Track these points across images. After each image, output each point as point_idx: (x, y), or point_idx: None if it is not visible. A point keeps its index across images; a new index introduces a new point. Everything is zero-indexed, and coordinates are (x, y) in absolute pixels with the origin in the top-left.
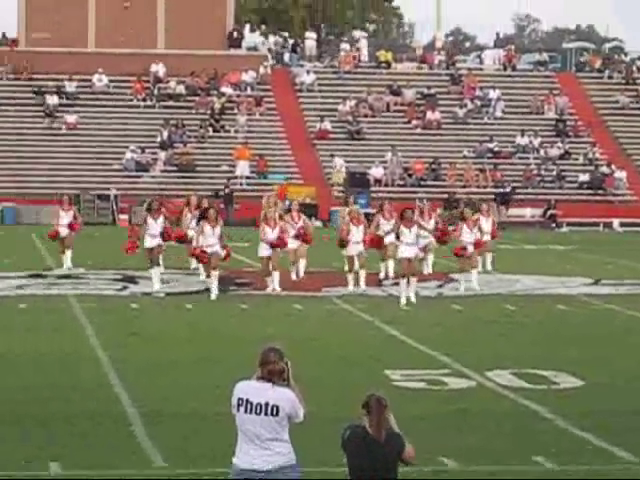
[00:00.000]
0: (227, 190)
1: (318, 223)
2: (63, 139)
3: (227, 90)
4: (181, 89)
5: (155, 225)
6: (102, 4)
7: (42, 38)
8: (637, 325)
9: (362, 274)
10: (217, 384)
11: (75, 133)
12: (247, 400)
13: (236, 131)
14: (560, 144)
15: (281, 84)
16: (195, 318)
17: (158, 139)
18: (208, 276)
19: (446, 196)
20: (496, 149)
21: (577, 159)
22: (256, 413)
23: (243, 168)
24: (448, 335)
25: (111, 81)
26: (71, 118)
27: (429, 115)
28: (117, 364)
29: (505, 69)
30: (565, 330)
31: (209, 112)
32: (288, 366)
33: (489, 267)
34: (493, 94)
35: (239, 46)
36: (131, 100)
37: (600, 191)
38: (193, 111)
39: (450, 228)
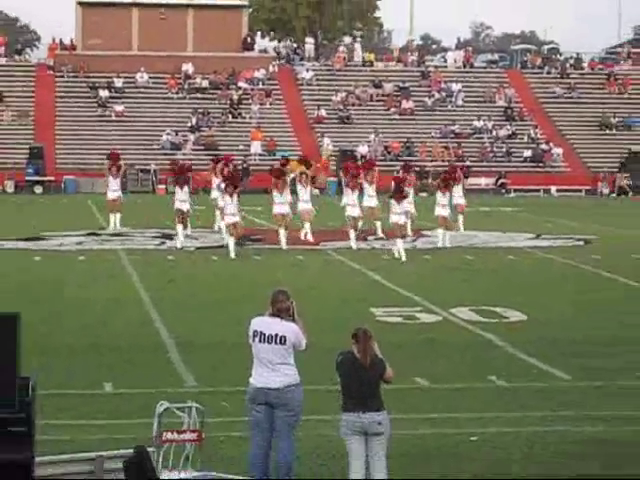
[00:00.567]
0: (244, 165)
1: (316, 191)
2: (112, 124)
3: (243, 84)
4: (206, 84)
5: (181, 193)
6: (143, 16)
7: (95, 43)
8: (571, 271)
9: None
10: (237, 319)
11: (122, 120)
12: (261, 332)
13: (250, 117)
14: (508, 126)
15: (286, 79)
16: (219, 267)
17: (188, 124)
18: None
19: (417, 169)
20: (457, 131)
21: (522, 138)
22: (268, 342)
23: (256, 147)
24: (420, 280)
25: (150, 78)
26: (119, 107)
27: (404, 104)
28: (157, 304)
29: (465, 67)
30: (513, 275)
31: (229, 102)
32: (293, 305)
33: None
34: (455, 87)
35: (252, 49)
36: (166, 93)
37: (540, 164)
38: (216, 102)
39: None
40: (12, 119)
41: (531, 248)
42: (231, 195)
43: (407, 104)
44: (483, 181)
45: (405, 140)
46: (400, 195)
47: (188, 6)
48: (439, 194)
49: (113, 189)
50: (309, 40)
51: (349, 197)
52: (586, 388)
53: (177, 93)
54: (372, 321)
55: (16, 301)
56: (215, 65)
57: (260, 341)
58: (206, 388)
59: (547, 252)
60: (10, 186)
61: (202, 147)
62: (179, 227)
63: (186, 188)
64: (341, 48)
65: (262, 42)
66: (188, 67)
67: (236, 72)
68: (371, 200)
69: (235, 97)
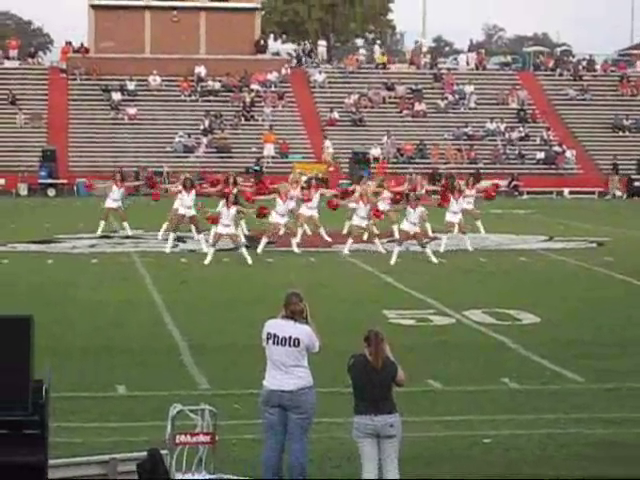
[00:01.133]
0: (259, 167)
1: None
2: (125, 127)
3: (255, 87)
4: (219, 86)
5: (187, 199)
6: (155, 19)
7: (108, 46)
8: (584, 273)
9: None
10: (250, 321)
11: (135, 122)
12: (274, 334)
13: (263, 120)
14: (521, 129)
15: (298, 82)
16: (231, 269)
17: (201, 127)
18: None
19: (430, 171)
20: (470, 133)
21: (535, 141)
22: (282, 345)
23: (269, 149)
24: (433, 282)
25: (163, 80)
26: (132, 110)
27: (417, 106)
28: (170, 306)
29: (477, 69)
30: (526, 277)
31: (241, 105)
32: (306, 307)
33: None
34: (468, 89)
35: (265, 52)
36: (179, 96)
37: (553, 166)
38: (229, 104)
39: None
40: (25, 122)
41: (544, 250)
42: (229, 207)
43: (420, 106)
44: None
45: (418, 142)
46: (416, 202)
47: (200, 9)
48: (452, 201)
49: (114, 198)
50: (321, 43)
51: (361, 210)
52: (598, 390)
53: (190, 96)
54: (385, 323)
55: (29, 303)
56: (228, 68)
57: (274, 343)
58: (218, 390)
59: (560, 254)
60: (23, 189)
61: (215, 150)
62: (171, 233)
63: (192, 194)
64: (361, 50)
65: (275, 45)
66: (201, 70)
67: (248, 75)
68: (383, 204)
69: (248, 100)
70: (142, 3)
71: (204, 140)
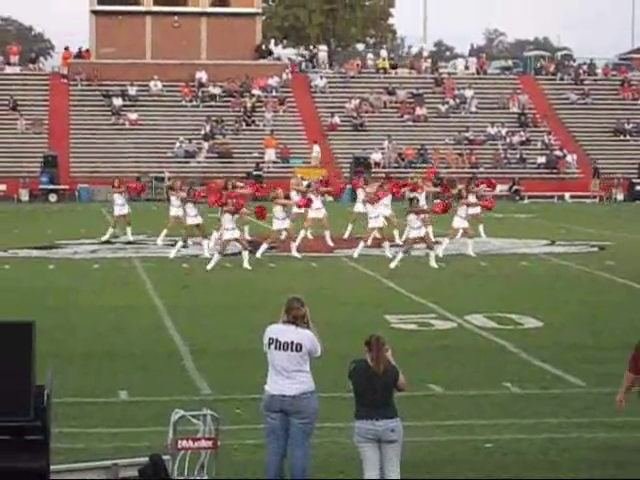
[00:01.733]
0: (260, 172)
1: (330, 198)
2: (126, 133)
3: (257, 92)
4: (220, 91)
5: (193, 208)
6: (156, 24)
7: (109, 52)
8: (585, 277)
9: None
10: (251, 327)
11: (136, 128)
12: (276, 339)
13: (264, 125)
14: (522, 133)
15: (300, 87)
16: (233, 274)
17: (202, 132)
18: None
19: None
20: (471, 137)
21: (536, 145)
22: (283, 350)
23: (270, 155)
24: (434, 286)
25: (164, 86)
26: (133, 116)
27: (417, 110)
28: (171, 311)
29: (478, 73)
30: (527, 281)
31: (242, 110)
32: (308, 312)
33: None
34: (468, 93)
35: (266, 57)
36: (180, 101)
37: (554, 170)
38: (230, 109)
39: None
40: (26, 128)
41: (545, 254)
42: (232, 214)
43: (421, 111)
44: (497, 187)
45: (419, 147)
46: (419, 209)
47: (201, 14)
48: (460, 208)
49: (120, 204)
50: (322, 48)
51: (372, 211)
52: (599, 394)
53: (191, 101)
54: (387, 328)
55: (31, 309)
56: (229, 73)
57: (276, 348)
58: (220, 395)
59: (562, 258)
60: (25, 194)
61: (216, 155)
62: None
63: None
64: (369, 55)
65: (276, 50)
66: (202, 75)
67: (250, 80)
68: (386, 209)
69: (249, 105)
70: (143, 8)
71: (205, 145)
